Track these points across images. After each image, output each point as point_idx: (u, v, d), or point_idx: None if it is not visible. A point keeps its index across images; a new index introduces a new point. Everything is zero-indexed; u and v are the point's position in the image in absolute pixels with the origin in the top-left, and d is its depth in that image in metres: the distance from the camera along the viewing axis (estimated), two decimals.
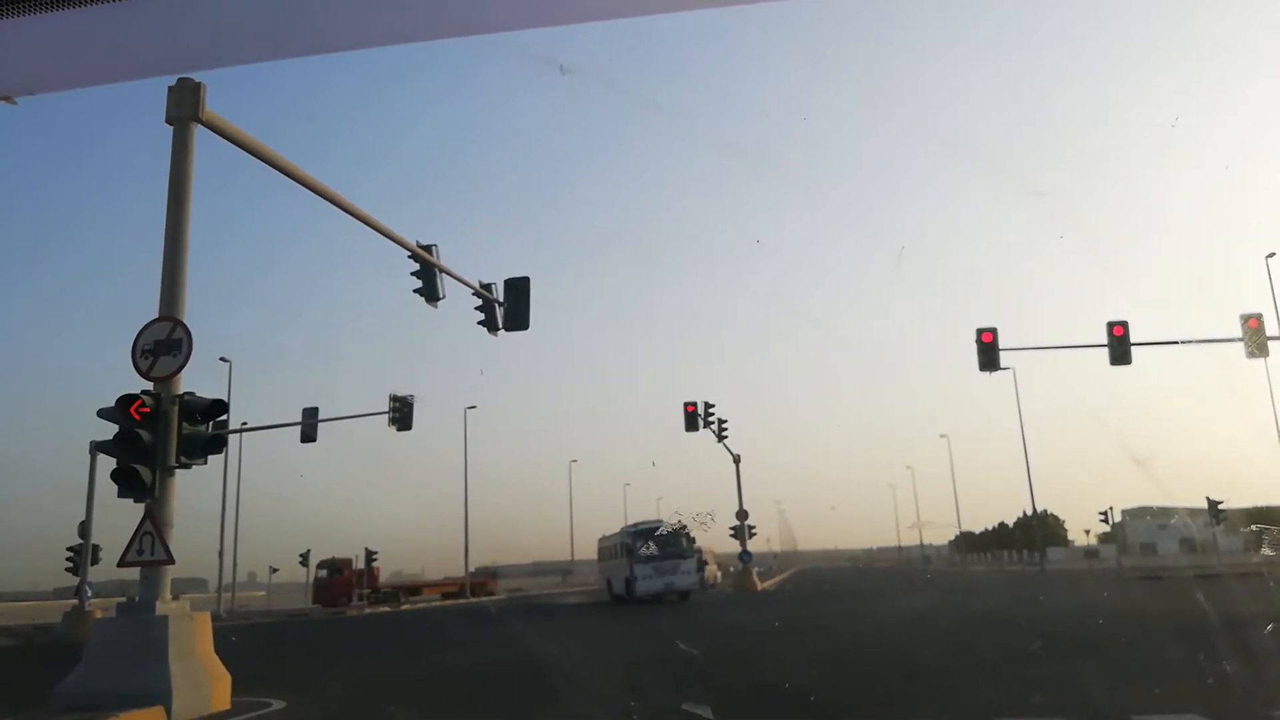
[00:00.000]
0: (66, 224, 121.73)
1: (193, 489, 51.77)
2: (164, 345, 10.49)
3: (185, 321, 10.74)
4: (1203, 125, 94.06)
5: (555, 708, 9.46)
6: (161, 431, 10.26)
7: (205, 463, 11.04)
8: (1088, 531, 79.19)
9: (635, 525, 35.66)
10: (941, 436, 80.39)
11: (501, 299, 17.23)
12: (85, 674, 9.61)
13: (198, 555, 44.74)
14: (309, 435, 30.99)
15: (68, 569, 29.71)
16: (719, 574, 79.38)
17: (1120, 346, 21.10)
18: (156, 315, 10.77)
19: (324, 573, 48.36)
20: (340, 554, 49.91)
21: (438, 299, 16.48)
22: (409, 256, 16.26)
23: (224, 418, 18.16)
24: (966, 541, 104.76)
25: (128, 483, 10.13)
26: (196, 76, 10.99)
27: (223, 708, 9.91)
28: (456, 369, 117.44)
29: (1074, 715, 7.75)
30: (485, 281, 17.39)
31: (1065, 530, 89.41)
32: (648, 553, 33.02)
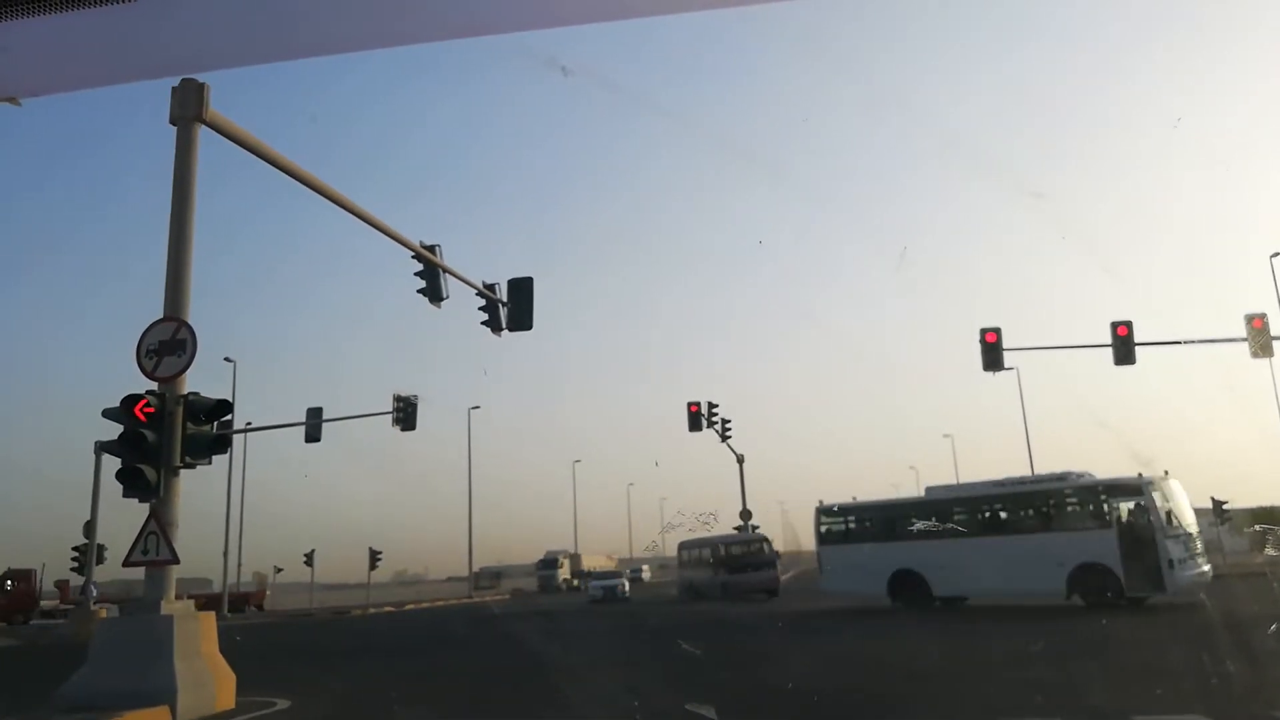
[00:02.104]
0: (72, 224, 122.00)
1: (197, 489, 51.89)
2: (168, 345, 10.51)
3: (190, 322, 10.77)
4: (1205, 125, 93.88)
5: (557, 707, 9.47)
6: (166, 432, 10.28)
7: (210, 463, 11.06)
8: None
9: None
10: (945, 436, 79.97)
11: (505, 299, 17.24)
12: (90, 674, 9.63)
13: (202, 555, 44.85)
14: (313, 435, 31.01)
15: (73, 569, 29.82)
16: None
17: (1124, 346, 21.05)
18: (161, 316, 10.81)
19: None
20: (346, 554, 50.00)
21: (441, 299, 16.49)
22: (412, 257, 16.28)
23: (228, 418, 18.15)
24: None
25: (132, 483, 10.15)
26: (200, 78, 11.01)
27: (227, 707, 9.93)
28: (460, 369, 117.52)
29: (1076, 715, 7.74)
30: (489, 282, 17.41)
31: None
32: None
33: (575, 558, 62.96)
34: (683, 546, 40.26)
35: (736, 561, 35.04)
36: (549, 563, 60.84)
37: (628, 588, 42.69)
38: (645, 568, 74.77)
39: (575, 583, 59.63)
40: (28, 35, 1.96)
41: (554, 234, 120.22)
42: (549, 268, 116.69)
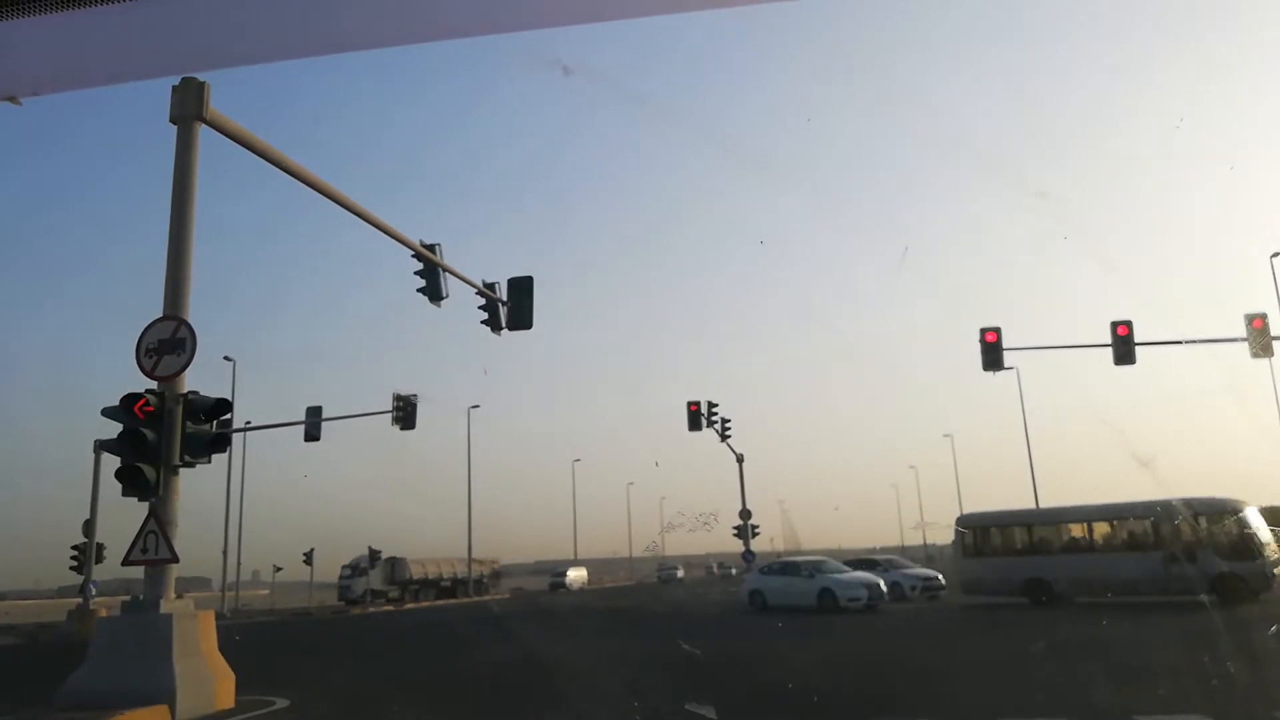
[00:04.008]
0: (73, 222, 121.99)
1: (197, 488, 51.85)
2: (168, 344, 10.50)
3: (189, 320, 10.76)
4: (1208, 125, 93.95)
5: (557, 706, 9.47)
6: (165, 431, 10.27)
7: (209, 462, 11.04)
8: None
9: None
10: (945, 436, 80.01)
11: (505, 298, 17.23)
12: (89, 673, 9.62)
13: (202, 554, 44.78)
14: (313, 434, 31.06)
15: (72, 568, 29.78)
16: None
17: (1124, 346, 21.07)
18: (161, 314, 10.79)
19: None
20: (345, 553, 49.15)
21: (441, 298, 16.49)
22: (413, 256, 16.28)
23: (228, 417, 18.18)
24: None
25: (132, 482, 10.14)
26: (202, 77, 11.00)
27: (226, 706, 9.92)
28: (461, 369, 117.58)
29: (1077, 715, 7.74)
30: (489, 281, 17.40)
31: None
32: None
33: (398, 562, 49.33)
34: (968, 521, 25.90)
35: (1230, 543, 21.26)
36: (354, 568, 48.25)
37: (884, 589, 25.50)
38: (572, 571, 65.51)
39: (391, 593, 48.15)
40: (27, 34, 1.95)
41: (555, 233, 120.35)
42: (550, 267, 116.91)
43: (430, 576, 50.63)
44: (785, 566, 27.07)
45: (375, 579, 47.60)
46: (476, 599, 47.94)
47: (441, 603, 46.83)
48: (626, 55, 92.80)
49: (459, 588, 52.23)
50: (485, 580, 55.63)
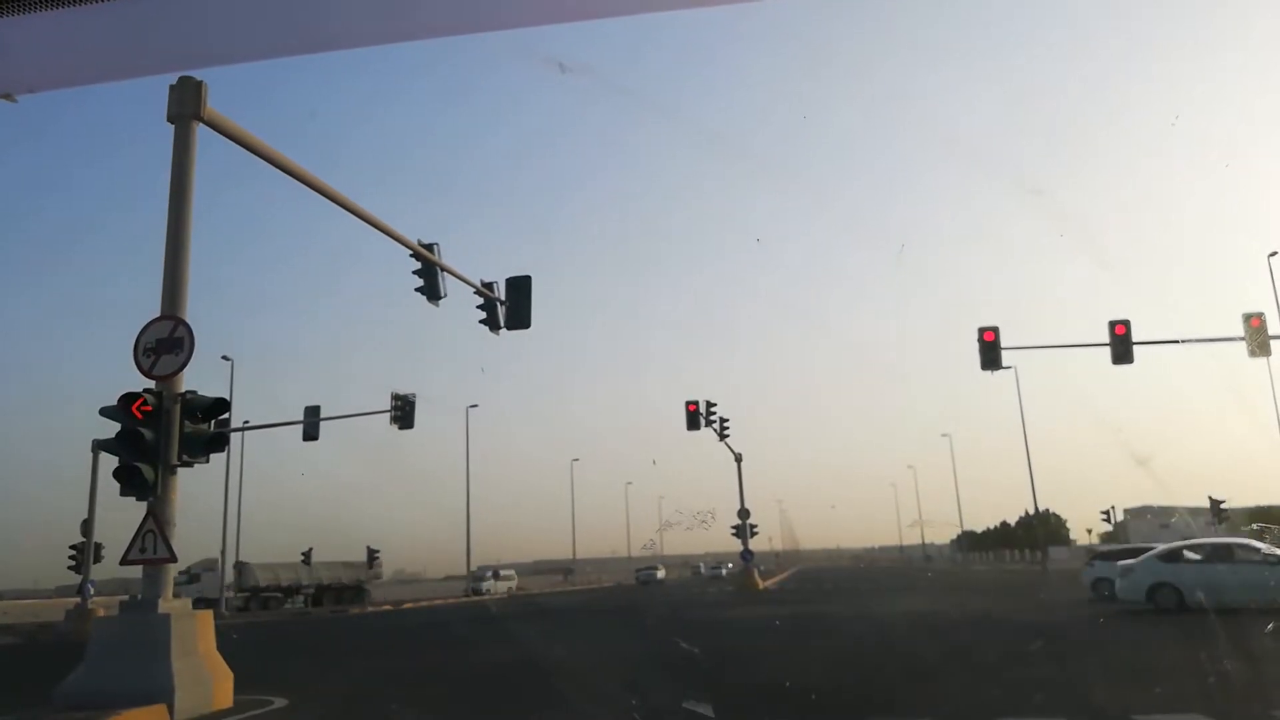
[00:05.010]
0: (71, 222, 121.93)
1: (195, 488, 51.72)
2: (166, 344, 10.49)
3: (187, 320, 10.75)
4: (1204, 123, 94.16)
5: (556, 706, 9.46)
6: (163, 430, 10.26)
7: (207, 461, 11.04)
8: (1090, 530, 79.01)
9: None
10: (943, 436, 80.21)
11: (503, 298, 17.24)
12: (87, 672, 9.61)
13: (200, 554, 44.76)
14: (311, 434, 31.11)
15: (70, 567, 29.80)
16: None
17: (1122, 345, 21.10)
18: (159, 314, 10.78)
19: None
20: (343, 553, 48.90)
21: (439, 298, 16.49)
22: (410, 255, 16.27)
23: (226, 416, 18.20)
24: (968, 540, 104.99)
25: (130, 481, 10.13)
26: (199, 74, 10.98)
27: (225, 706, 9.92)
28: (460, 368, 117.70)
29: (1075, 715, 7.74)
30: (487, 280, 17.41)
31: (1067, 529, 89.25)
32: None
33: (245, 567, 44.74)
34: None
35: None
36: (188, 574, 42.08)
37: None
38: (492, 574, 58.85)
39: (239, 599, 43.94)
40: (22, 31, 1.95)
41: (552, 232, 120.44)
42: (547, 266, 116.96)
43: (284, 583, 45.94)
44: (1210, 550, 18.22)
45: (210, 586, 41.90)
46: (354, 610, 41.77)
47: (440, 602, 46.62)
48: (624, 55, 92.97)
49: (327, 595, 46.97)
50: (366, 585, 49.92)
